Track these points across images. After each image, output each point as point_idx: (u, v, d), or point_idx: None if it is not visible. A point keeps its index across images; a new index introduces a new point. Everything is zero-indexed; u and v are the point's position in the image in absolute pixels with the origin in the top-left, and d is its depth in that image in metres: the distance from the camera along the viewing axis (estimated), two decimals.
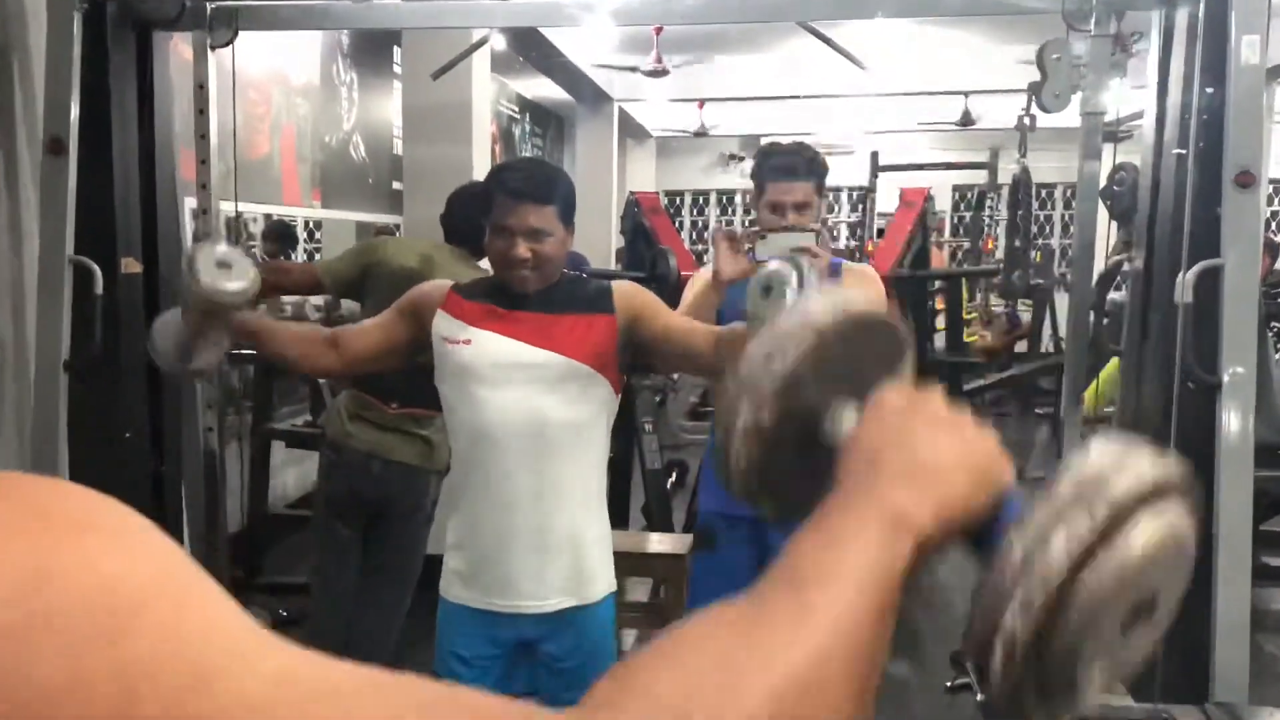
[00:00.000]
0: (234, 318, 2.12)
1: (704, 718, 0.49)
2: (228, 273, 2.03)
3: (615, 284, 2.21)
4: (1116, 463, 0.62)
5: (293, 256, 6.67)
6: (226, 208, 3.43)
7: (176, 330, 2.15)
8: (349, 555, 3.21)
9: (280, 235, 6.62)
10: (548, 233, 2.10)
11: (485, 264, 3.17)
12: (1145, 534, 0.60)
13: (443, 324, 2.15)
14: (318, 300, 5.51)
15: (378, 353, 2.23)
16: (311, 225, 7.17)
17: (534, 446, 2.08)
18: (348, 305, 5.31)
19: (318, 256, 7.25)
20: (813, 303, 0.75)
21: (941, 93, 9.85)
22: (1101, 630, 0.61)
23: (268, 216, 6.65)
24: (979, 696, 3.67)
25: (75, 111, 2.82)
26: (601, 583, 2.19)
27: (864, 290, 2.66)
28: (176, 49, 3.36)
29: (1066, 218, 14.01)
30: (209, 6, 3.07)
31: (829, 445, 0.73)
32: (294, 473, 5.53)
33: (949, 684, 3.90)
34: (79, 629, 0.36)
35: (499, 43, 6.31)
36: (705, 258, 12.60)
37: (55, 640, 0.36)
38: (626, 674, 0.52)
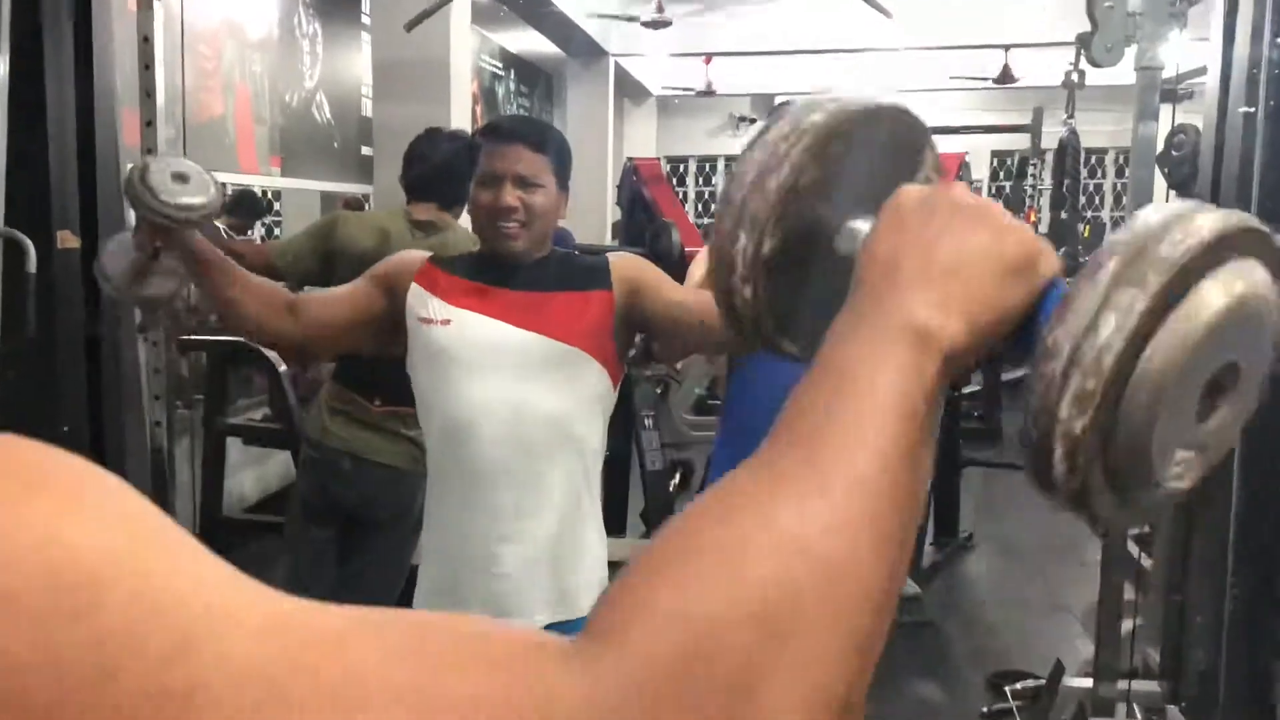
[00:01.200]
0: (192, 239, 2.10)
1: (712, 622, 0.48)
2: (185, 186, 2.03)
3: (612, 256, 2.21)
4: (1167, 223, 0.59)
5: (250, 231, 6.66)
6: None
7: (128, 253, 2.15)
8: (324, 562, 3.23)
9: (244, 206, 6.63)
10: (539, 183, 2.11)
11: (448, 232, 3.19)
12: (1210, 298, 0.58)
13: (418, 300, 2.14)
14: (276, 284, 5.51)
15: (344, 325, 2.20)
16: (270, 195, 7.16)
17: (516, 443, 2.07)
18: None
19: (277, 231, 7.25)
20: (805, 103, 0.72)
21: (978, 46, 9.83)
22: (1174, 412, 0.59)
23: (222, 186, 6.64)
24: None
25: (4, 68, 2.81)
26: (592, 597, 2.18)
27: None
28: None
29: (1119, 187, 14.01)
30: None
31: (846, 263, 0.69)
32: (251, 473, 5.53)
33: (985, 710, 3.91)
34: (42, 606, 0.37)
35: None
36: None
37: (17, 618, 0.36)
38: (625, 591, 0.51)
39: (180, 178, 2.04)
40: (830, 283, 0.70)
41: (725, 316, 0.75)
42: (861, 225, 0.71)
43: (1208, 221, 0.58)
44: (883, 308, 0.61)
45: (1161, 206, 0.60)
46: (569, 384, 2.10)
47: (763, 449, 0.56)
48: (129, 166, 2.08)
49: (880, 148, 0.74)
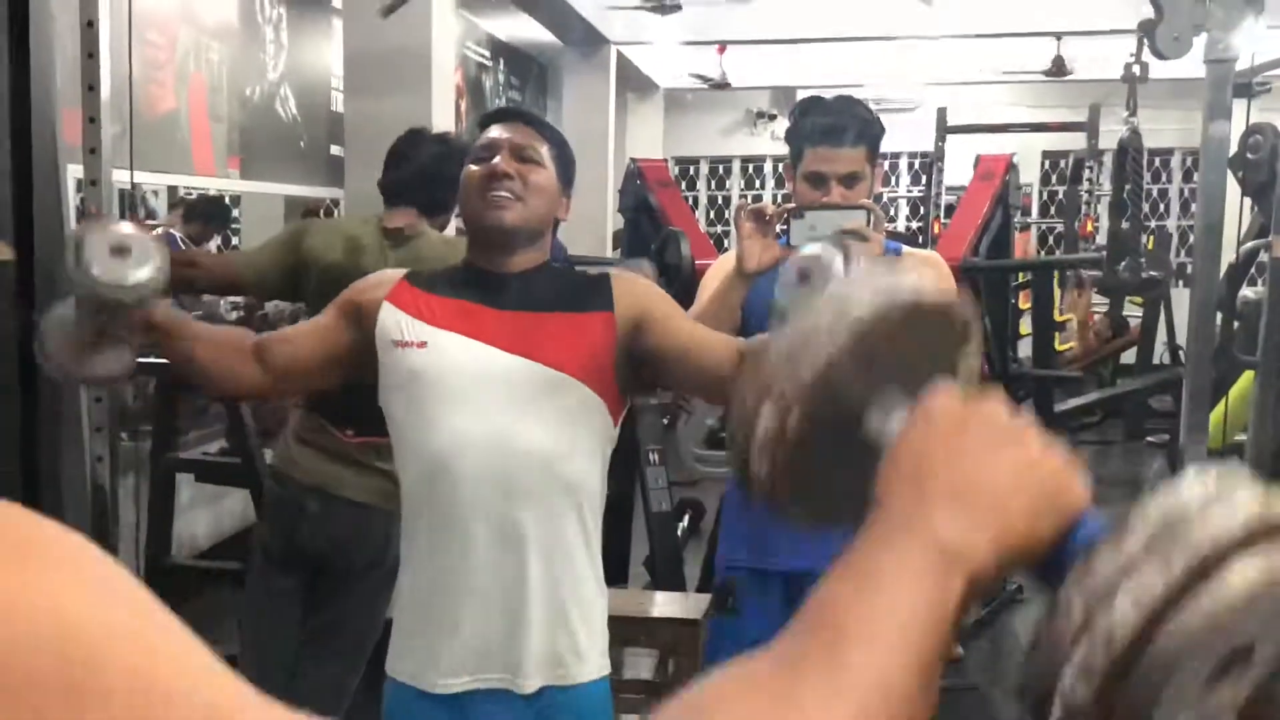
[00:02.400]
0: (138, 313, 2.14)
1: None
2: (125, 260, 2.04)
3: (615, 274, 2.23)
4: (1203, 500, 0.64)
5: (210, 241, 6.68)
6: (121, 178, 3.44)
7: (70, 330, 2.17)
8: (289, 613, 3.23)
9: (208, 214, 6.65)
10: (538, 160, 2.15)
11: (418, 240, 3.20)
12: (1234, 584, 0.62)
13: (390, 321, 2.14)
14: (236, 299, 5.52)
15: (313, 365, 2.24)
16: (229, 201, 7.19)
17: (499, 484, 2.07)
18: (273, 304, 5.33)
19: (235, 241, 7.28)
20: (853, 288, 0.78)
21: (1027, 34, 9.86)
22: (1179, 690, 0.64)
23: (173, 190, 6.67)
24: None
25: None
26: (591, 660, 2.18)
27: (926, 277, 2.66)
28: None
29: (1187, 193, 14.03)
30: None
31: (871, 444, 0.77)
32: (205, 514, 5.53)
33: None
34: (48, 682, 0.40)
35: None
36: (727, 242, 12.60)
37: (19, 693, 0.39)
38: None
39: (119, 250, 2.04)
40: (848, 459, 0.78)
41: (737, 474, 0.82)
42: (890, 415, 0.78)
43: (1244, 508, 0.63)
44: (911, 521, 0.67)
45: (1202, 478, 0.65)
46: (561, 417, 2.09)
47: (783, 639, 0.62)
48: (69, 236, 2.10)
49: (921, 346, 0.81)
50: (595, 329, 2.11)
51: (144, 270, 2.05)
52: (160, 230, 6.47)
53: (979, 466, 0.69)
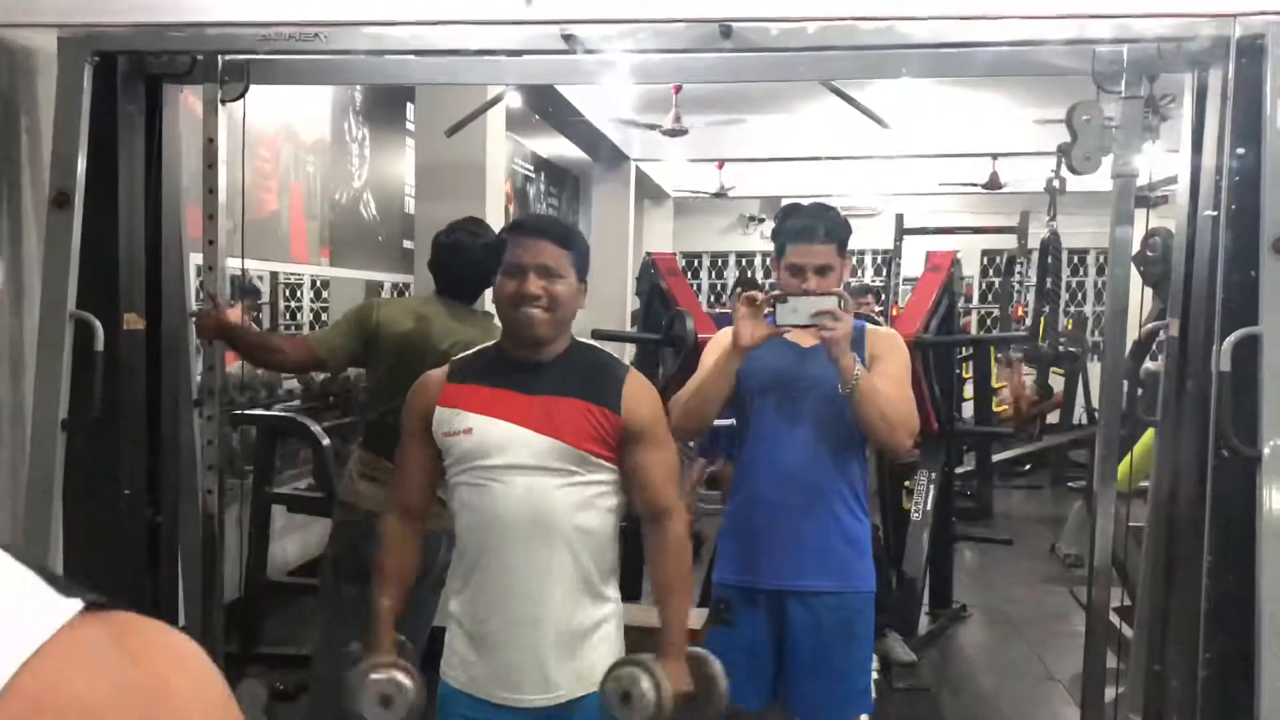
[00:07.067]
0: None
1: None
2: (389, 710, 2.10)
3: (628, 381, 2.19)
4: None
5: (259, 313, 6.65)
6: (233, 265, 3.46)
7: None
8: (353, 620, 3.20)
9: (251, 291, 6.63)
10: (561, 274, 2.13)
11: (480, 317, 3.21)
12: None
13: (442, 420, 2.16)
14: (320, 375, 5.51)
15: (431, 481, 2.27)
16: (319, 284, 7.23)
17: (537, 531, 2.08)
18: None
19: (325, 316, 7.31)
20: None
21: (969, 155, 9.90)
22: None
23: (274, 275, 6.71)
24: None
25: (82, 164, 2.86)
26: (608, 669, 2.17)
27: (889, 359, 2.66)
28: (186, 102, 3.41)
29: (1099, 284, 14.01)
30: (220, 59, 3.12)
31: None
32: (295, 539, 5.51)
33: None
34: None
35: (514, 100, 6.39)
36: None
37: None
38: None
39: (385, 700, 2.10)
40: None
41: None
42: None
43: None
44: None
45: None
46: (580, 480, 2.11)
47: None
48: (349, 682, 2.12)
49: None
50: (604, 421, 2.12)
51: (403, 710, 2.11)
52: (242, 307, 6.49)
53: None
